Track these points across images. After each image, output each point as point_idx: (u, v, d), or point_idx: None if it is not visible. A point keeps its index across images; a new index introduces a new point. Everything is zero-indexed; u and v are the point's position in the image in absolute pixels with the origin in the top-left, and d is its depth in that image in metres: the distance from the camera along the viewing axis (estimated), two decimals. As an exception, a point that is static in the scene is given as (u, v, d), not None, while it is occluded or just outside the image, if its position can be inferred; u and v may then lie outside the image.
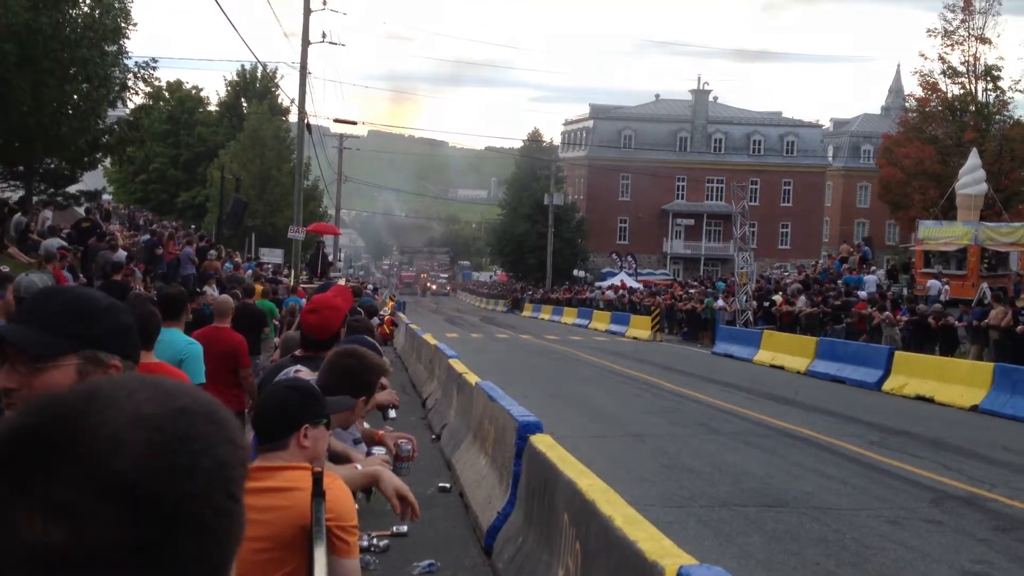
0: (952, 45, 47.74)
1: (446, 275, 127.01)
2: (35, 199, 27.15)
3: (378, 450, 3.98)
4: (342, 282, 12.19)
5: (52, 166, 28.57)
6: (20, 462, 0.85)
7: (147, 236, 29.46)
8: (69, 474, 0.84)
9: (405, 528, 7.99)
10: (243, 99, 60.89)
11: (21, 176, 27.89)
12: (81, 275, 18.88)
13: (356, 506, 3.07)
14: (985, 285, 27.81)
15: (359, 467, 3.88)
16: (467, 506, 9.29)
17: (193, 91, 61.89)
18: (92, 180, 36.67)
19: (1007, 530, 9.34)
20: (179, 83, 61.45)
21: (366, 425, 4.95)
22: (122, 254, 20.76)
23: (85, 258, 20.71)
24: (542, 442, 7.19)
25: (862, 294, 29.89)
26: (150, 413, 0.88)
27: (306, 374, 4.22)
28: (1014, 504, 10.24)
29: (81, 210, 31.89)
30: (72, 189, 30.98)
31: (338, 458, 3.91)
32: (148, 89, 32.52)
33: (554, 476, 6.28)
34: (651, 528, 4.58)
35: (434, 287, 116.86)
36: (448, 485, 10.17)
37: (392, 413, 6.06)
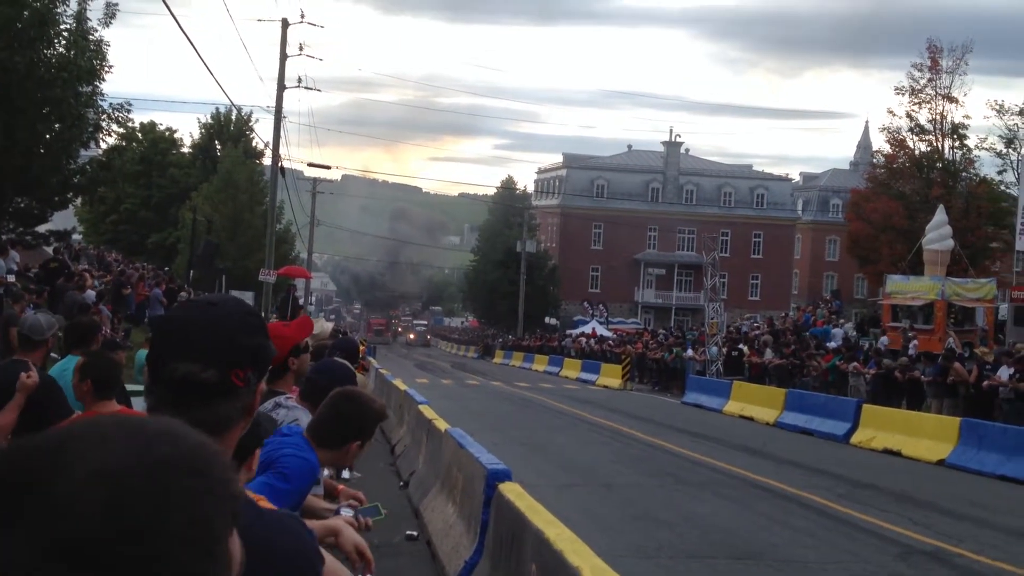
0: (920, 103, 48.58)
1: (425, 323, 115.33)
2: (3, 238, 26.88)
3: (345, 511, 3.94)
4: (321, 320, 12.08)
5: (22, 205, 28.31)
6: None
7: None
8: (15, 533, 0.81)
9: (371, 577, 7.88)
10: (217, 142, 60.76)
11: (-10, 214, 27.62)
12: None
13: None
14: (952, 339, 28.06)
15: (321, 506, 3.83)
16: (434, 555, 9.20)
17: (167, 133, 61.79)
18: (62, 220, 36.33)
19: (973, 585, 9.35)
20: (152, 124, 61.34)
21: (325, 472, 4.90)
22: (90, 294, 20.60)
23: (52, 298, 20.50)
24: (511, 491, 7.15)
25: (832, 345, 30.09)
26: (115, 467, 0.84)
27: None
28: (980, 559, 10.26)
29: (50, 250, 31.60)
30: (42, 228, 30.70)
31: (312, 514, 3.85)
32: (121, 131, 32.43)
33: (522, 525, 6.23)
34: (619, 579, 4.56)
35: (413, 336, 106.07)
36: (416, 533, 10.07)
37: (346, 474, 6.02)
